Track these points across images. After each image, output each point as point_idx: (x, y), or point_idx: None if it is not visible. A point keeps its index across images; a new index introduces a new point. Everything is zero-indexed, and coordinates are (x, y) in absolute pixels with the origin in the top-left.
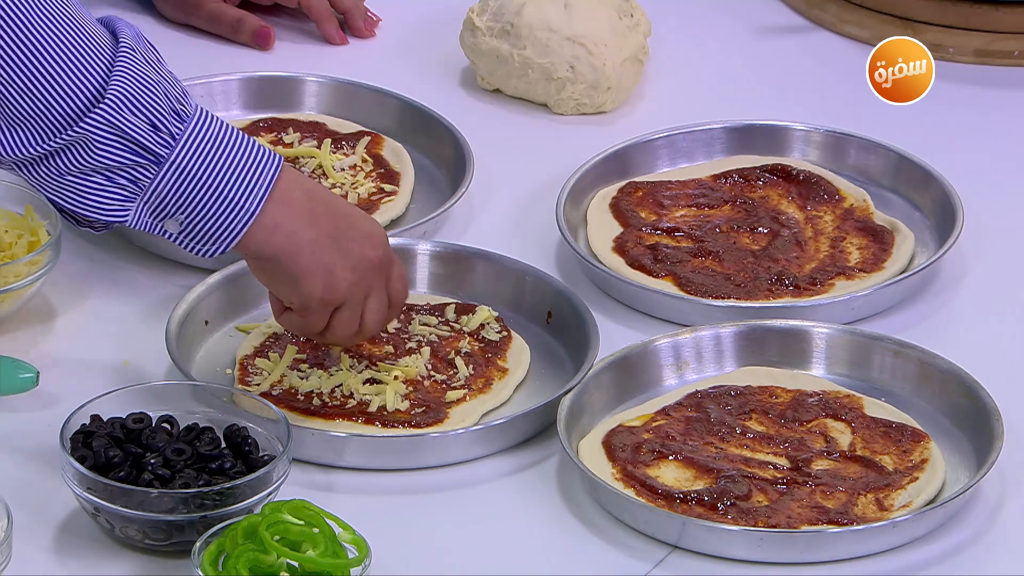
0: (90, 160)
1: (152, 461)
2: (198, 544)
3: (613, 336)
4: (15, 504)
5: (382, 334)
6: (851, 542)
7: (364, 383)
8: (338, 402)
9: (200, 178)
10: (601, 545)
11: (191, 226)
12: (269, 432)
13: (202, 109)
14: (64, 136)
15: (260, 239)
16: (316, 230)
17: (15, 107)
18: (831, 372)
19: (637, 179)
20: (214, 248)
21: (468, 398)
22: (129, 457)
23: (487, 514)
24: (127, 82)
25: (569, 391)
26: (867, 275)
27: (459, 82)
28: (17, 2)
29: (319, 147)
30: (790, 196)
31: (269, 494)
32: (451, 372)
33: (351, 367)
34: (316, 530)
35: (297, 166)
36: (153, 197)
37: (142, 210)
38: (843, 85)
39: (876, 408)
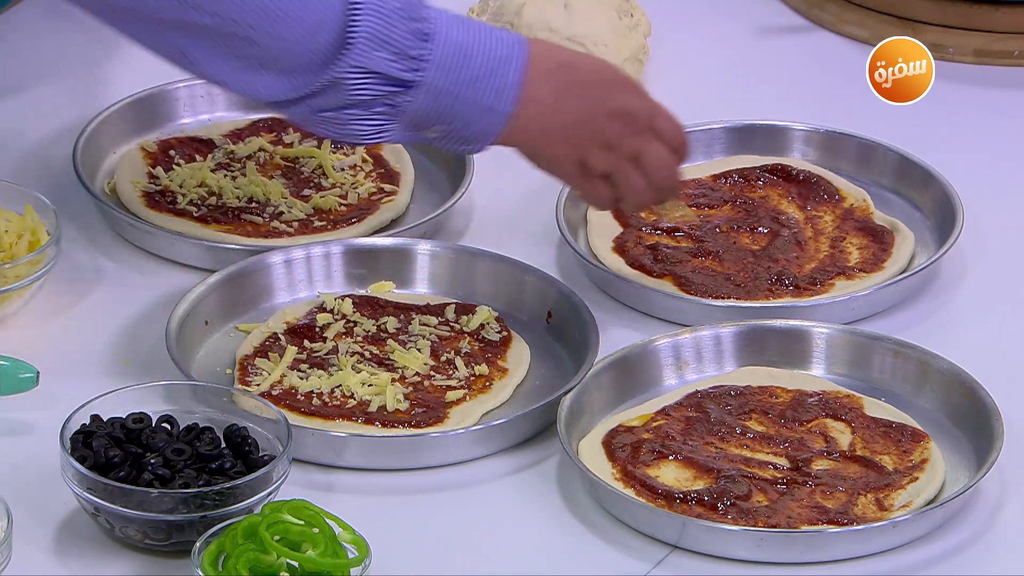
0: (345, 98)
1: (152, 461)
2: (198, 544)
3: (613, 336)
4: (15, 504)
5: (381, 333)
6: (851, 542)
7: (364, 383)
8: (338, 402)
9: (452, 91)
10: (601, 545)
11: (450, 132)
12: (269, 432)
13: (440, 17)
14: (317, 81)
15: (513, 136)
16: (562, 118)
17: (265, 51)
18: (831, 372)
19: None
20: (472, 148)
21: (468, 398)
22: (129, 457)
23: (487, 514)
24: (368, 16)
25: (569, 391)
26: (867, 275)
27: None
28: None
29: (319, 147)
30: (790, 196)
31: (269, 494)
32: (451, 372)
33: (351, 367)
34: (316, 530)
35: (297, 166)
36: (410, 116)
37: (401, 128)
38: (843, 85)
39: (876, 408)
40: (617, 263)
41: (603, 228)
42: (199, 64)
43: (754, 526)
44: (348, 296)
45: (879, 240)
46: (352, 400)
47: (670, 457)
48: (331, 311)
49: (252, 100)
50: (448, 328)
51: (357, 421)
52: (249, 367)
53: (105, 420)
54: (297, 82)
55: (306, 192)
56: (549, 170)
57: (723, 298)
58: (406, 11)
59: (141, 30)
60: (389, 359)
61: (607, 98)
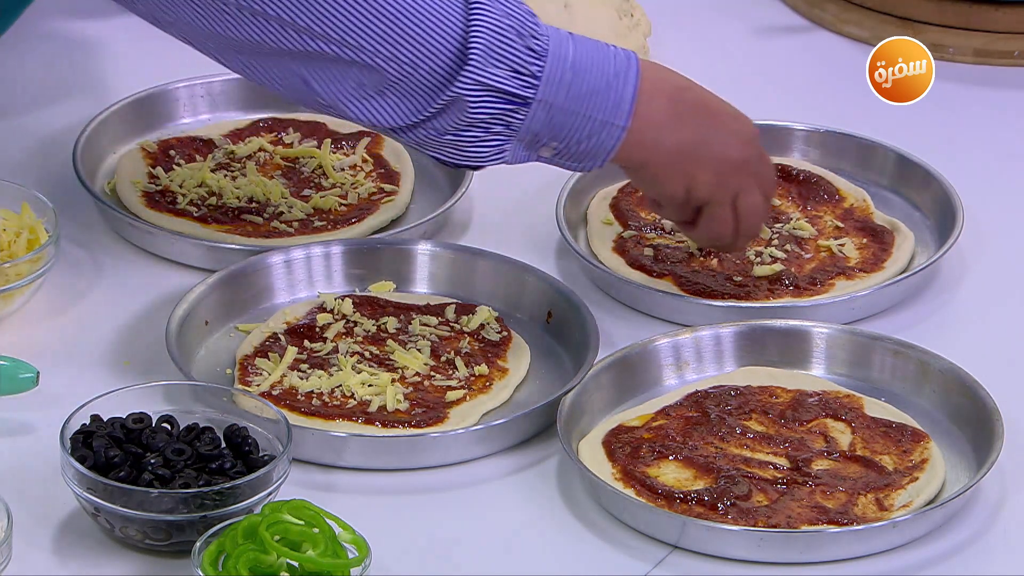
0: (466, 117)
1: (152, 461)
2: (198, 544)
3: (613, 336)
4: (15, 504)
5: (381, 333)
6: (851, 542)
7: (364, 383)
8: (338, 402)
9: (566, 107)
10: (601, 545)
11: (565, 149)
12: (269, 432)
13: (552, 34)
14: (439, 101)
15: (626, 153)
16: (677, 136)
17: (388, 76)
18: (831, 372)
19: None
20: (588, 165)
21: (468, 398)
22: (129, 457)
23: (487, 514)
24: (485, 33)
25: (569, 391)
26: (867, 275)
27: None
28: None
29: (319, 147)
30: (790, 196)
31: (269, 494)
32: (451, 372)
33: (351, 367)
34: (316, 530)
35: (297, 166)
36: (526, 135)
37: (518, 148)
38: (843, 85)
39: (876, 408)
40: (617, 263)
41: (603, 228)
42: (320, 93)
43: (754, 526)
44: (348, 296)
45: (879, 240)
46: (352, 400)
47: (670, 457)
48: (331, 311)
49: (373, 128)
50: (448, 328)
51: (357, 421)
52: (249, 367)
53: (105, 420)
54: (419, 104)
55: (306, 192)
56: (654, 191)
57: (723, 298)
58: (520, 28)
59: (258, 64)
60: (389, 359)
61: (722, 127)
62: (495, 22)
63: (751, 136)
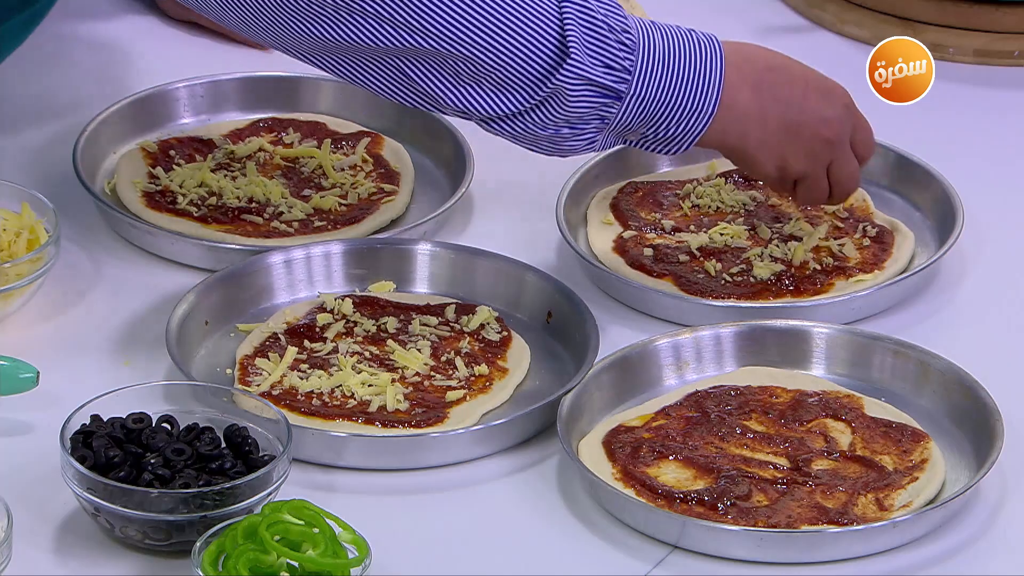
0: (564, 110)
1: (152, 461)
2: (198, 544)
3: (613, 336)
4: (15, 504)
5: (381, 333)
6: (851, 542)
7: (364, 383)
8: (338, 402)
9: (657, 99)
10: (601, 545)
11: (652, 136)
12: (269, 432)
13: (642, 27)
14: (539, 94)
15: (715, 138)
16: (764, 124)
17: (487, 68)
18: (831, 372)
19: (637, 179)
20: (675, 149)
21: (468, 398)
22: (129, 457)
23: (487, 514)
24: (579, 26)
25: (569, 391)
26: (867, 275)
27: None
28: None
29: (319, 147)
30: (790, 196)
31: (269, 494)
32: (451, 372)
33: (351, 367)
34: (316, 530)
35: (297, 166)
36: (618, 125)
37: (608, 137)
38: (843, 85)
39: (876, 408)
40: (617, 263)
41: (603, 228)
42: (420, 83)
43: (754, 526)
44: (348, 296)
45: (879, 240)
46: (352, 400)
47: (670, 457)
48: (331, 311)
49: (471, 116)
50: (448, 328)
51: (357, 421)
52: (249, 367)
53: (105, 420)
54: (519, 96)
55: (306, 192)
56: (747, 170)
57: (723, 298)
58: (611, 22)
59: (354, 61)
60: (389, 359)
61: (811, 106)
62: (588, 15)
63: (844, 107)
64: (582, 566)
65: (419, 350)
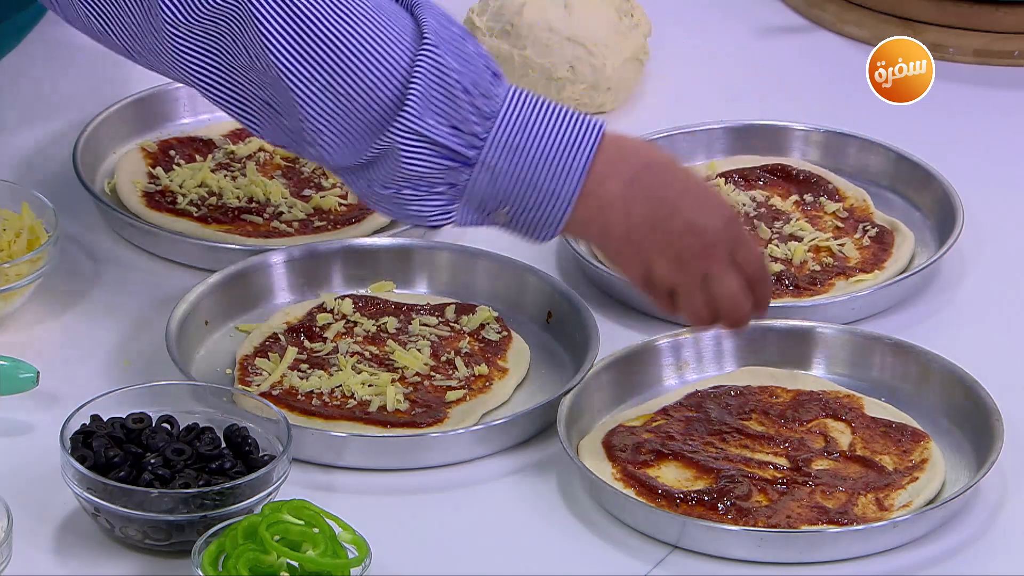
0: (400, 169)
1: (152, 461)
2: (198, 544)
3: (613, 336)
4: (15, 504)
5: (381, 333)
6: (851, 542)
7: (364, 383)
8: (338, 402)
9: (512, 172)
10: (601, 545)
11: (516, 217)
12: (269, 432)
13: (511, 93)
14: (375, 146)
15: (579, 228)
16: (628, 218)
17: (328, 110)
18: (831, 372)
19: None
20: (539, 235)
21: (468, 398)
22: (129, 457)
23: (487, 514)
24: (428, 83)
25: (569, 391)
26: (867, 275)
27: None
28: None
29: None
30: (790, 196)
31: (269, 494)
32: (451, 372)
33: (351, 367)
34: (316, 530)
35: (297, 166)
36: (472, 197)
37: (465, 210)
38: (843, 85)
39: (876, 408)
40: None
41: None
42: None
43: (754, 526)
44: (348, 296)
45: (879, 240)
46: (352, 400)
47: (670, 457)
48: (331, 311)
49: (322, 163)
50: (448, 328)
51: (357, 421)
52: (249, 367)
53: (105, 420)
54: (359, 143)
55: (306, 192)
56: (616, 270)
57: None
58: (470, 83)
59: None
60: (389, 359)
61: (683, 209)
62: (441, 70)
63: (724, 220)
64: (582, 566)
65: (419, 350)
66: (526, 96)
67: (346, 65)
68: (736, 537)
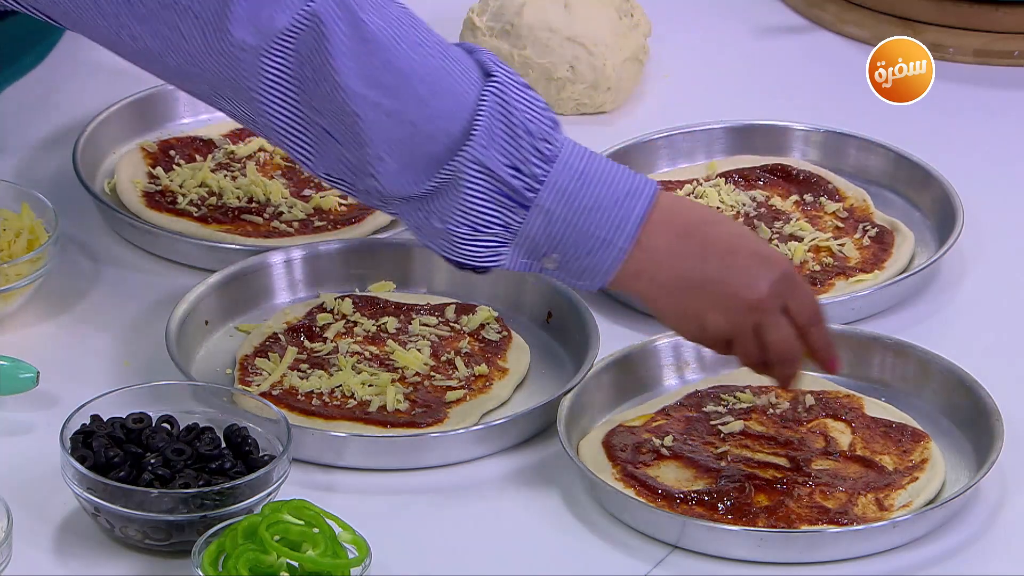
0: (460, 203)
1: (152, 461)
2: (198, 544)
3: (613, 336)
4: (15, 504)
5: (381, 333)
6: (851, 542)
7: (364, 383)
8: (338, 402)
9: (567, 219)
10: (601, 545)
11: (565, 263)
12: (269, 432)
13: (569, 143)
14: (438, 175)
15: (625, 279)
16: (679, 271)
17: (394, 137)
18: (831, 372)
19: None
20: (587, 284)
21: (468, 398)
22: (129, 457)
23: (487, 514)
24: (493, 118)
25: (569, 391)
26: (867, 275)
27: None
28: (397, 23)
29: None
30: (790, 196)
31: (269, 494)
32: (451, 372)
33: (351, 367)
34: (316, 530)
35: (297, 166)
36: (525, 240)
37: (516, 252)
38: (843, 85)
39: (876, 408)
40: None
41: None
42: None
43: (754, 526)
44: (348, 296)
45: (879, 240)
46: (352, 400)
47: (670, 457)
48: (331, 311)
49: (376, 196)
50: (448, 328)
51: (357, 421)
52: (249, 367)
53: (105, 420)
54: (420, 172)
55: (306, 192)
56: (666, 324)
57: None
58: (531, 125)
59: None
60: (389, 359)
61: (738, 266)
62: (506, 108)
63: (778, 275)
64: (582, 566)
65: (419, 350)
66: (582, 148)
67: (415, 93)
68: (736, 537)
